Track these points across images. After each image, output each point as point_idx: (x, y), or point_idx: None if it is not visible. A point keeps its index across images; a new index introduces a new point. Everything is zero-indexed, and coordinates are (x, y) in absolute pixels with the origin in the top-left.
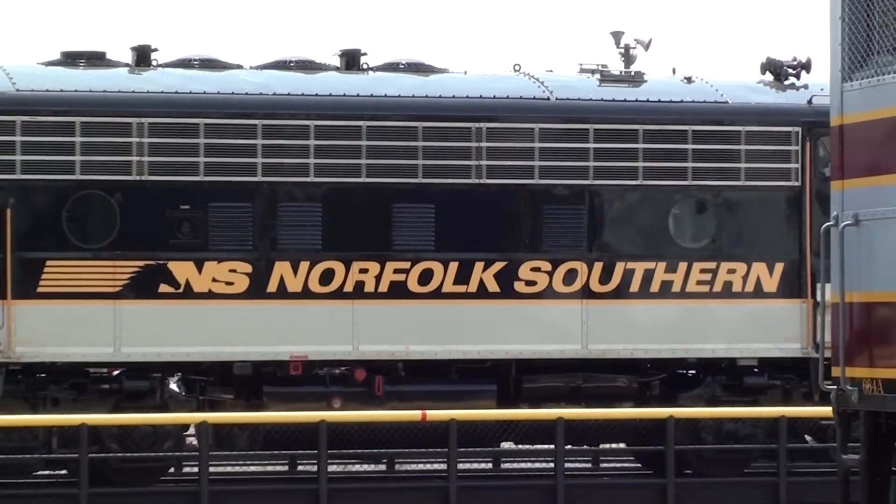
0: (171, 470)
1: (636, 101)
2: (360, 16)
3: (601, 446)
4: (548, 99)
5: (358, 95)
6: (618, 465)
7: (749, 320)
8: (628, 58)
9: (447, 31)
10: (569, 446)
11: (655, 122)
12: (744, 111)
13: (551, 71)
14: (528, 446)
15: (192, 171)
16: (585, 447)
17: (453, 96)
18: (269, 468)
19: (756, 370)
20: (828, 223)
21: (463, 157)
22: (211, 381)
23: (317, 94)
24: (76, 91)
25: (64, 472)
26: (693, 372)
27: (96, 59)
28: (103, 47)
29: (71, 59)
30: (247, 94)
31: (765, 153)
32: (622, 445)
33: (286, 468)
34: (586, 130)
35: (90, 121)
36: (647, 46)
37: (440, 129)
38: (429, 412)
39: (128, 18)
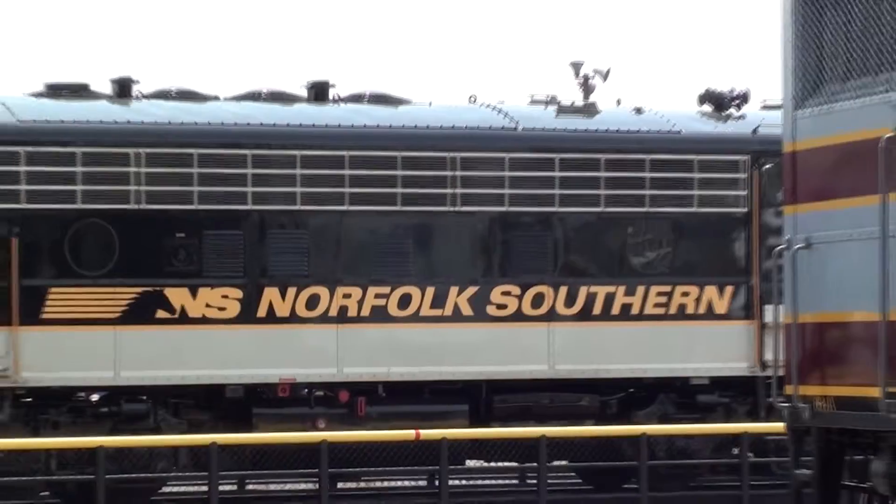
0: (162, 489)
1: (597, 131)
2: (318, 46)
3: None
4: (515, 129)
5: (339, 126)
6: (558, 480)
7: (701, 341)
8: (587, 88)
9: (402, 60)
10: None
11: (616, 152)
12: (696, 141)
13: (503, 102)
14: (510, 464)
15: (186, 200)
16: (566, 462)
17: (427, 126)
18: (254, 487)
19: (707, 388)
20: (780, 246)
21: (439, 186)
22: (195, 404)
23: (301, 125)
24: (75, 122)
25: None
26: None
27: (80, 91)
28: (76, 78)
29: (55, 90)
30: (235, 124)
31: (715, 181)
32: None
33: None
34: (552, 160)
35: (90, 151)
36: (605, 77)
37: (418, 158)
38: (422, 431)
39: (97, 49)
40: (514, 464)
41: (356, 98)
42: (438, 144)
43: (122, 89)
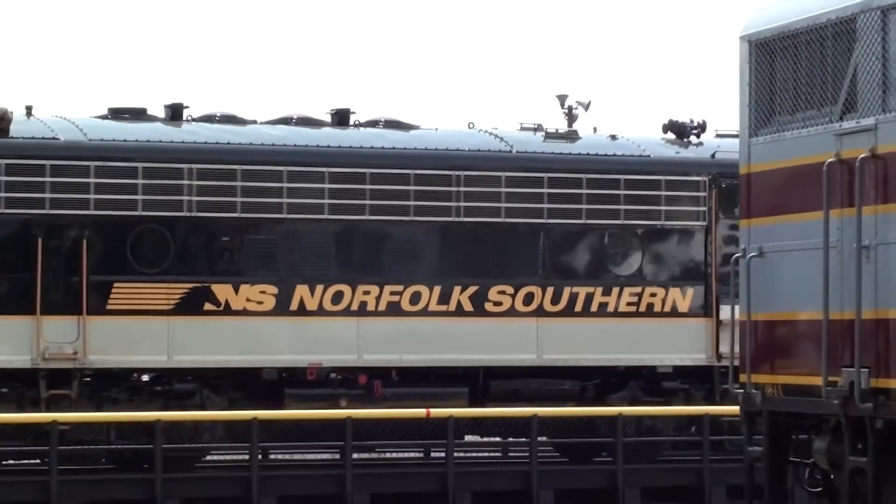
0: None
1: (579, 154)
2: (335, 76)
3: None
4: (510, 151)
5: (361, 147)
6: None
7: (666, 335)
8: (570, 117)
9: (408, 89)
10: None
11: (596, 172)
12: (663, 163)
13: (496, 128)
14: (500, 438)
15: (231, 209)
16: (556, 440)
17: (435, 148)
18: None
19: (670, 376)
20: (737, 254)
21: (445, 199)
22: (234, 385)
23: (328, 146)
24: (136, 141)
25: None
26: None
27: (139, 114)
28: (132, 102)
29: (117, 113)
30: (273, 145)
31: (680, 198)
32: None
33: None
34: (542, 178)
35: (150, 166)
36: (587, 107)
37: (428, 175)
38: (432, 410)
39: (144, 76)
40: (510, 439)
41: (372, 123)
42: (445, 164)
43: (175, 113)
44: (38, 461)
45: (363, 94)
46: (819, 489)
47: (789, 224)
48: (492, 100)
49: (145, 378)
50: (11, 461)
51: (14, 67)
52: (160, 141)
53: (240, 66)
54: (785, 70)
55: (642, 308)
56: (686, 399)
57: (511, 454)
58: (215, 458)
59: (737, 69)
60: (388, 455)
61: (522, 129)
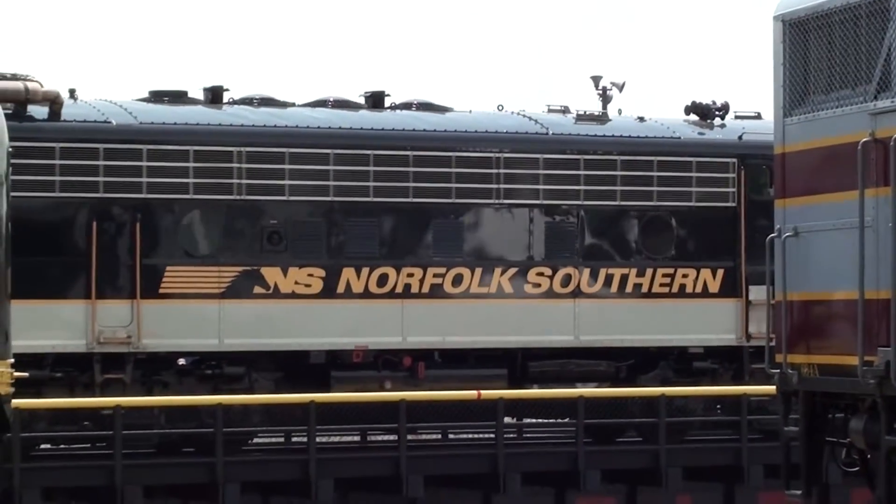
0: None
1: (613, 136)
2: (364, 57)
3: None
4: (546, 134)
5: (404, 130)
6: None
7: (697, 316)
8: (605, 98)
9: (436, 70)
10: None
11: (629, 154)
12: (694, 145)
13: (524, 110)
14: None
15: (279, 192)
16: (597, 420)
17: (475, 131)
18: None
19: (700, 356)
20: (772, 235)
21: (486, 182)
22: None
23: (372, 129)
24: (187, 124)
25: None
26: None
27: (180, 97)
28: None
29: (157, 96)
30: (319, 127)
31: (709, 179)
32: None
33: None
34: (578, 160)
35: (200, 149)
36: (621, 88)
37: (469, 157)
38: (483, 392)
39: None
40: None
41: (406, 105)
42: (486, 146)
43: (215, 96)
44: (87, 445)
45: (386, 76)
46: (856, 469)
47: (824, 204)
48: (513, 81)
49: (181, 362)
50: (63, 445)
51: (42, 50)
52: (209, 124)
53: (259, 47)
54: (819, 50)
55: (674, 289)
56: (714, 379)
57: (527, 435)
58: (260, 441)
59: (757, 49)
60: (431, 436)
61: (550, 110)
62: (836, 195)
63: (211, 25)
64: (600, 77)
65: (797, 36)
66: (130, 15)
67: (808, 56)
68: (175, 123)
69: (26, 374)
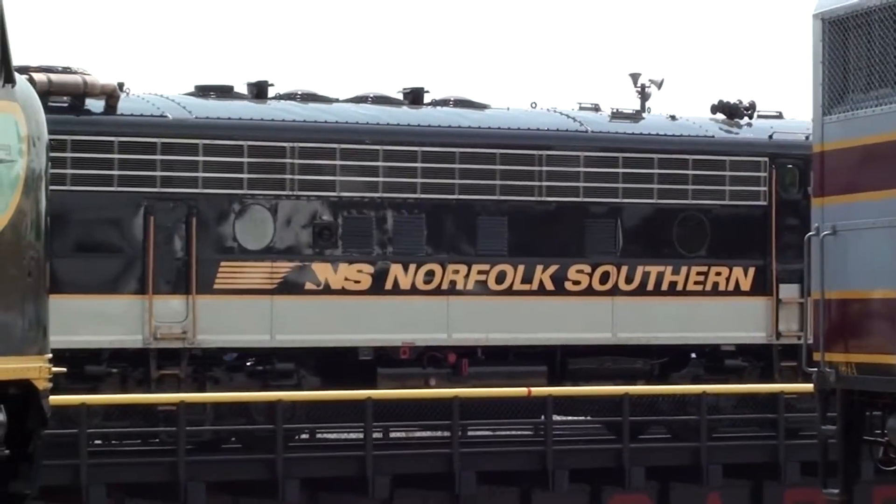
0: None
1: (649, 134)
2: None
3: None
4: (586, 132)
5: (449, 127)
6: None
7: (729, 313)
8: (644, 95)
9: (467, 67)
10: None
11: (666, 152)
12: (727, 144)
13: (556, 108)
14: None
15: (330, 188)
16: (641, 418)
17: (518, 128)
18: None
19: (732, 354)
20: (810, 233)
21: (528, 179)
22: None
23: (419, 125)
24: (240, 119)
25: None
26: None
27: (227, 92)
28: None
29: (203, 91)
30: (367, 123)
31: (742, 178)
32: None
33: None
34: (616, 158)
35: (255, 144)
36: (660, 86)
37: (513, 155)
38: (533, 389)
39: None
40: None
41: (443, 102)
42: (529, 143)
43: (260, 91)
44: (138, 441)
45: (421, 72)
46: (893, 468)
47: (863, 202)
48: (544, 78)
49: (226, 358)
50: (114, 441)
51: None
52: (262, 119)
53: (287, 43)
54: (858, 48)
55: (707, 287)
56: (743, 377)
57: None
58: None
59: (781, 48)
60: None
61: (582, 108)
62: (875, 193)
63: (249, 21)
64: (639, 74)
65: (836, 34)
66: (167, 10)
67: (847, 54)
68: (229, 118)
69: (63, 370)
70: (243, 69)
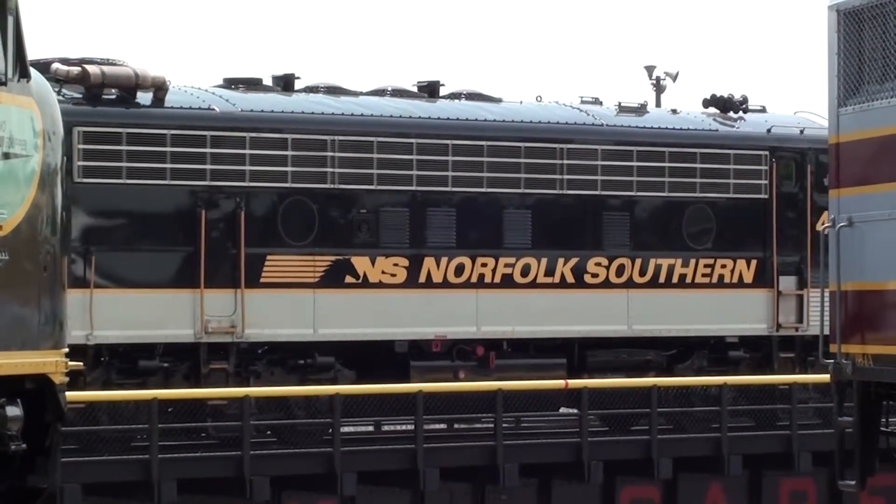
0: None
1: (661, 128)
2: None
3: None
4: (602, 126)
5: (477, 120)
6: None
7: (733, 305)
8: (659, 87)
9: (474, 60)
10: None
11: (676, 146)
12: (730, 137)
13: (558, 101)
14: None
15: (368, 181)
16: (669, 409)
17: (539, 122)
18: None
19: (735, 345)
20: (826, 225)
21: (550, 172)
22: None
23: (448, 119)
24: (283, 112)
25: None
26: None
27: (255, 84)
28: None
29: (232, 83)
30: (400, 116)
31: (744, 171)
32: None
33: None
34: (631, 151)
35: (298, 137)
36: (674, 78)
37: (537, 148)
38: (570, 381)
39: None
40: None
41: (455, 95)
42: (551, 137)
43: (287, 84)
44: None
45: (430, 65)
46: None
47: (880, 194)
48: (545, 71)
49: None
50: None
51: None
52: (303, 112)
53: (294, 36)
54: (874, 39)
55: (714, 279)
56: (743, 368)
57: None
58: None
59: (767, 43)
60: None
61: (583, 101)
62: (892, 185)
63: (251, 15)
64: (654, 67)
65: (852, 26)
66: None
67: (862, 46)
68: (273, 111)
69: (80, 364)
70: (267, 62)
